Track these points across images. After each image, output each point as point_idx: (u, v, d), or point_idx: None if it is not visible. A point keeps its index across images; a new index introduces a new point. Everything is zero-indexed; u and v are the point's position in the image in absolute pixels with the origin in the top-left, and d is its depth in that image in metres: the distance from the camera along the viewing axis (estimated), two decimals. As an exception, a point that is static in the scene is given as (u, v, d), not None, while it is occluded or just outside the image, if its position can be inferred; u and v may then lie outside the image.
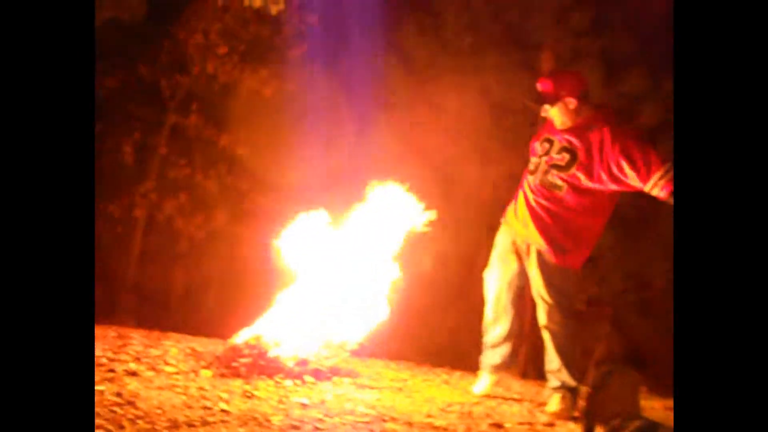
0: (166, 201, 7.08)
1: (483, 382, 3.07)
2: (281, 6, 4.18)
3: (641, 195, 2.53)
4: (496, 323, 3.00)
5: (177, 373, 2.75)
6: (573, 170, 2.60)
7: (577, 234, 2.71)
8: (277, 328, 3.06)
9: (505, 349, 2.99)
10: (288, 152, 6.61)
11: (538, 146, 2.79)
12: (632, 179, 2.51)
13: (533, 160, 2.78)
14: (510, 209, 2.89)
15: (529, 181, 2.78)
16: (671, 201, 2.38)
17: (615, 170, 2.53)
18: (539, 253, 2.74)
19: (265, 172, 7.19)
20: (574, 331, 2.79)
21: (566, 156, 2.60)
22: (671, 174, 2.40)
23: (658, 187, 2.46)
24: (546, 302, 2.77)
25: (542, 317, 2.82)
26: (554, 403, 2.78)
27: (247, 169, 7.24)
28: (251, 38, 7.18)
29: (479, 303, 3.18)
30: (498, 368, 3.02)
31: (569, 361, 2.79)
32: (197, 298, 7.33)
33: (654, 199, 2.52)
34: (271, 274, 3.29)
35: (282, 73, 7.18)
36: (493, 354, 3.01)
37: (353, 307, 3.13)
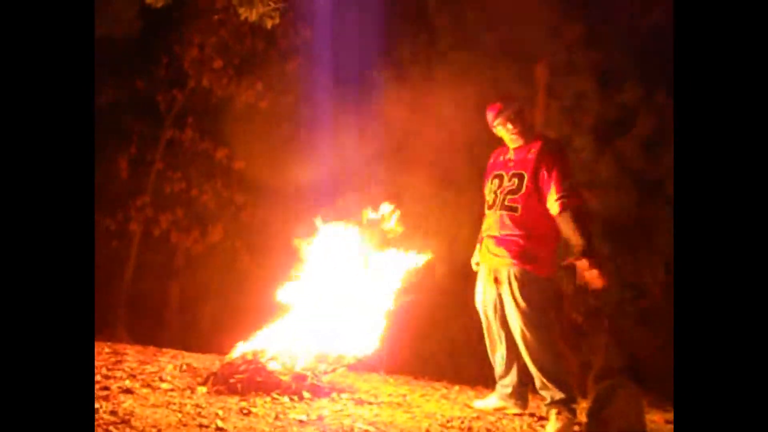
0: (162, 215, 7.05)
1: (489, 401, 3.06)
2: (276, 20, 4.18)
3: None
4: (495, 350, 3.04)
5: (172, 390, 2.71)
6: (523, 190, 2.88)
7: (542, 242, 2.88)
8: (274, 343, 3.04)
9: (512, 378, 3.00)
10: (284, 165, 6.60)
11: (489, 184, 3.05)
12: (546, 189, 2.85)
13: (489, 198, 3.02)
14: (479, 252, 3.07)
15: (490, 216, 2.99)
16: (562, 219, 2.77)
17: (539, 181, 2.86)
18: (512, 269, 2.86)
19: (261, 186, 7.18)
20: (549, 343, 2.81)
21: (516, 181, 2.92)
22: (567, 195, 2.78)
23: (556, 204, 2.80)
24: (518, 315, 2.82)
25: (516, 331, 2.85)
26: (551, 424, 2.76)
27: (244, 182, 7.23)
28: (247, 52, 7.21)
29: (477, 316, 3.17)
30: (509, 397, 3.01)
31: (551, 375, 2.78)
32: (194, 313, 7.28)
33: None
34: (270, 289, 3.27)
35: (278, 87, 7.20)
36: (504, 386, 3.03)
37: (351, 321, 3.11)
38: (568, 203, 2.77)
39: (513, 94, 3.28)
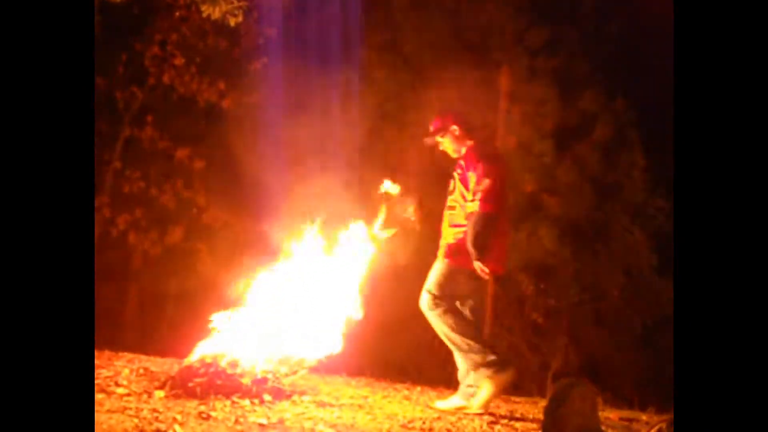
0: (120, 216, 6.88)
1: (451, 401, 3.09)
2: (240, 18, 4.13)
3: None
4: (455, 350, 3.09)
5: (129, 395, 2.65)
6: (456, 190, 3.13)
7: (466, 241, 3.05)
8: (234, 345, 2.99)
9: (474, 378, 3.04)
10: (247, 166, 6.52)
11: (449, 189, 3.24)
12: (468, 188, 3.08)
13: (449, 200, 3.22)
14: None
15: (444, 218, 3.20)
16: (472, 219, 2.98)
17: (470, 184, 3.08)
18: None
19: (223, 187, 7.07)
20: (451, 318, 3.01)
21: (452, 182, 3.18)
22: (484, 199, 2.99)
23: (476, 203, 3.01)
24: (425, 292, 3.07)
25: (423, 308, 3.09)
26: (485, 388, 2.94)
27: (205, 183, 7.11)
28: (209, 50, 7.09)
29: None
30: (472, 397, 3.05)
31: (468, 342, 2.98)
32: (152, 316, 7.12)
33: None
34: (229, 291, 3.22)
35: (241, 86, 7.11)
36: (468, 386, 3.08)
37: (312, 323, 3.09)
38: (483, 206, 2.97)
39: (454, 111, 3.41)
